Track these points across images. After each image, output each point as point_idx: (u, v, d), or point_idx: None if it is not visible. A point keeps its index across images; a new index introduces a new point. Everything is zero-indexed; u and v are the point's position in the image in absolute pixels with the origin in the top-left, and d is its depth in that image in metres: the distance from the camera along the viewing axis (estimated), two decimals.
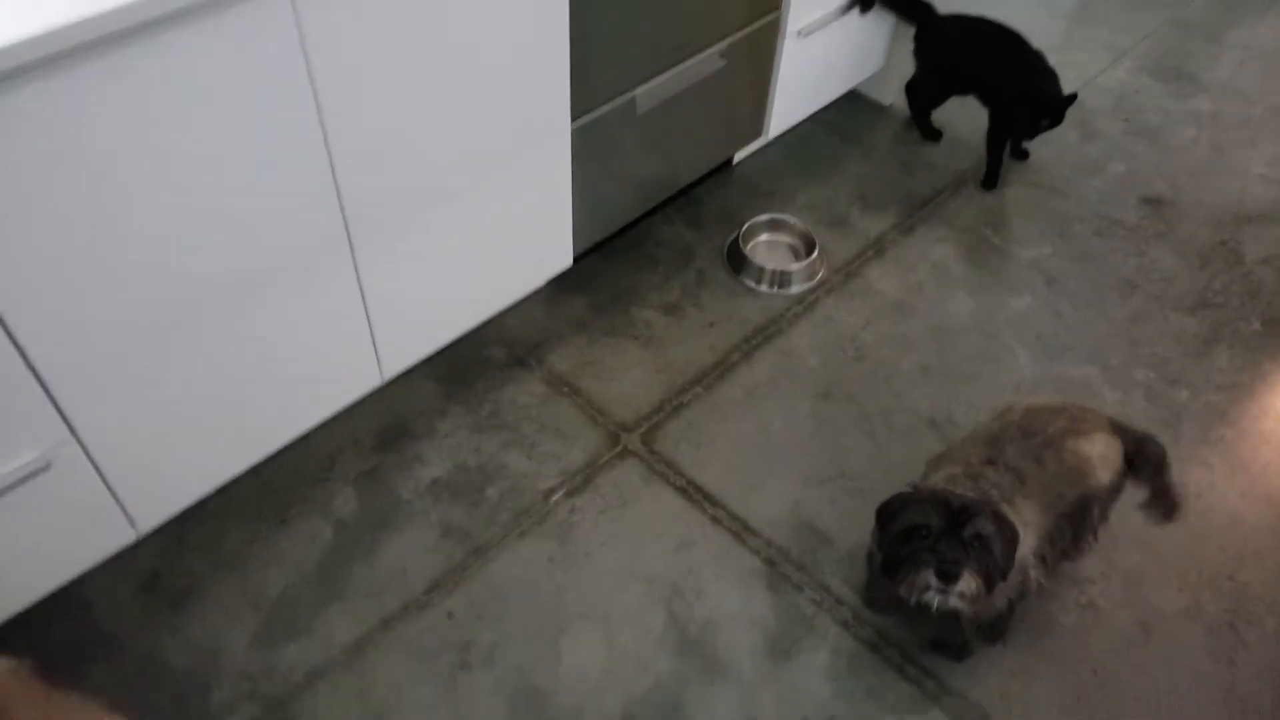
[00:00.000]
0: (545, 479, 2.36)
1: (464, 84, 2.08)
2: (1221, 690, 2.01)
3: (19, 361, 1.71)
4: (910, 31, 3.19)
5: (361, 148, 1.97)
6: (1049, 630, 2.10)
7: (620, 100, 2.49)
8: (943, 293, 2.84)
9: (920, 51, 3.19)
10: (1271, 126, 3.53)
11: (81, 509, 1.96)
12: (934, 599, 1.77)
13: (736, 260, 2.85)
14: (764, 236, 2.97)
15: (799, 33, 2.92)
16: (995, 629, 2.02)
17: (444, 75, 2.02)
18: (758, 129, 3.11)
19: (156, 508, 2.11)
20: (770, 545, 2.24)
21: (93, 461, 1.92)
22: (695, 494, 2.33)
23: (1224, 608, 2.14)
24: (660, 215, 3.04)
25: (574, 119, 2.38)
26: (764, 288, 2.80)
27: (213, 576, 2.15)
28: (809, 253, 2.86)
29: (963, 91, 3.20)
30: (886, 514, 1.84)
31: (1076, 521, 2.00)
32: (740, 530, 2.26)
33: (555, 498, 2.32)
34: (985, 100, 3.11)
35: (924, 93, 3.31)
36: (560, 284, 2.79)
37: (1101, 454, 1.93)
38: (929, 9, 3.12)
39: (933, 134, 3.36)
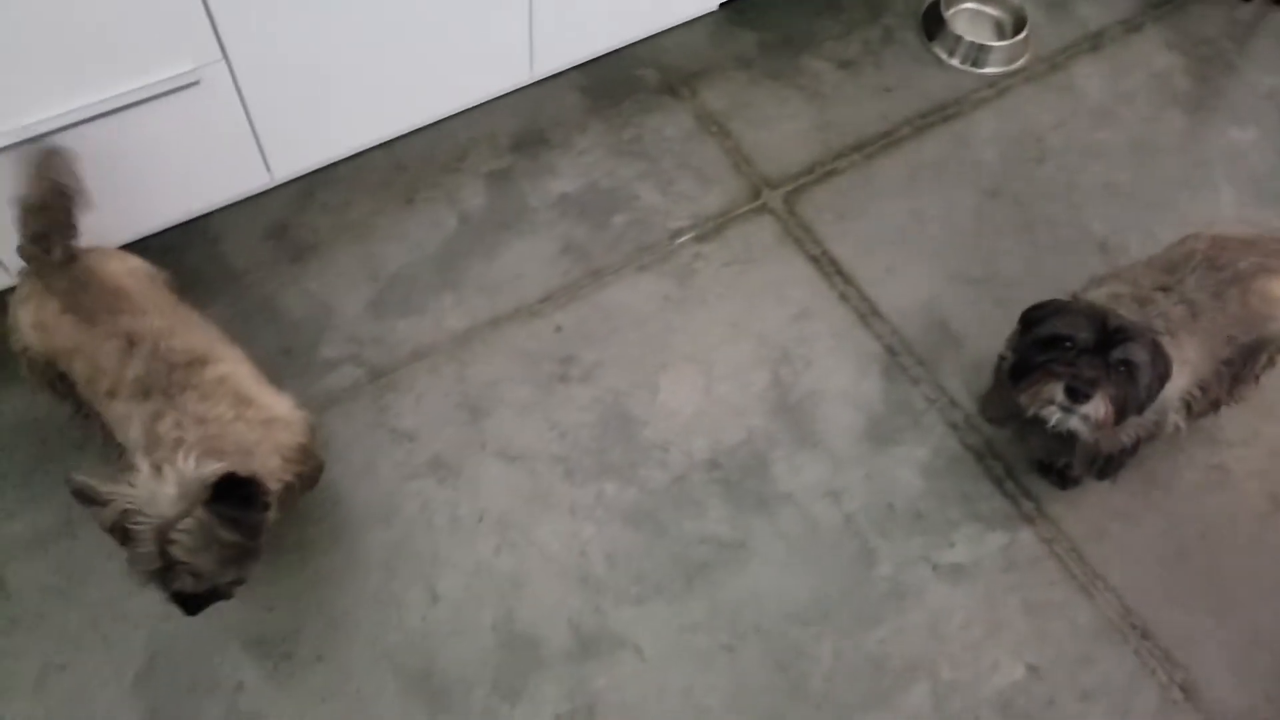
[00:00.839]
0: (676, 218, 2.23)
1: None
2: None
3: None
4: None
5: None
6: (1168, 482, 1.95)
7: None
8: (1155, 106, 2.48)
9: None
10: None
11: (222, 138, 1.95)
12: (1054, 415, 1.62)
13: (933, 24, 2.52)
14: (969, 3, 2.61)
15: None
16: (1110, 465, 1.88)
17: None
18: None
19: (292, 158, 2.09)
20: (895, 333, 2.10)
21: (239, 89, 1.88)
22: (828, 266, 2.19)
23: None
24: None
25: None
26: (956, 61, 2.48)
27: (336, 239, 2.15)
28: (1016, 31, 2.50)
29: None
30: (1034, 316, 1.66)
31: (1239, 368, 1.80)
32: (868, 312, 2.12)
33: (682, 239, 2.21)
34: None
35: None
36: (732, 14, 2.53)
37: None
38: None
39: None
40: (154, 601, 1.73)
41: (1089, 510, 1.92)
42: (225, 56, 1.84)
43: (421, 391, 1.98)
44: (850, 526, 1.87)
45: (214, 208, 2.12)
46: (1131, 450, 1.82)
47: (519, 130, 2.32)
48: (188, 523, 1.35)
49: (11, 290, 1.90)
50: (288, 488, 1.58)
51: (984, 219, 2.26)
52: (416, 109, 2.21)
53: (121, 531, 1.37)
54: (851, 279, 2.16)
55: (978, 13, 2.57)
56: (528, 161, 2.28)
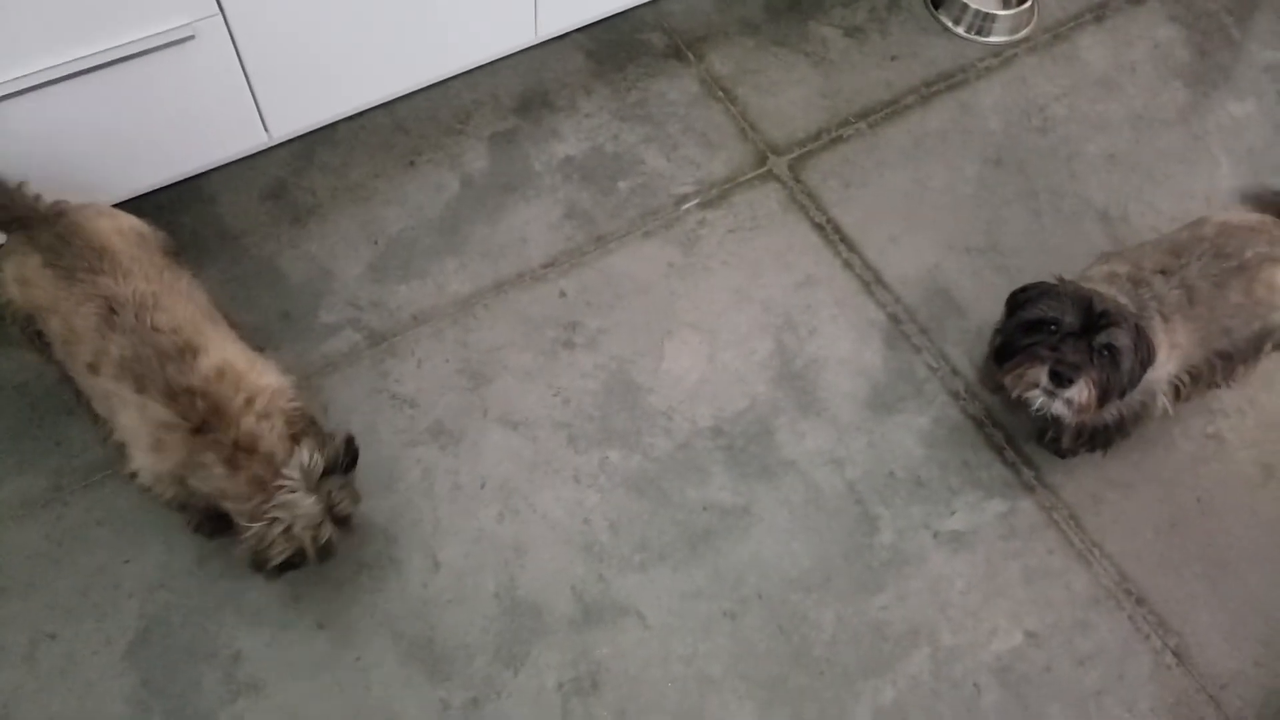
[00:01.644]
0: (681, 184, 2.12)
1: None
2: None
3: None
4: None
5: None
6: (1164, 452, 1.88)
7: None
8: (1156, 78, 2.38)
9: None
10: None
11: (219, 95, 1.82)
12: (1038, 399, 1.56)
13: None
14: None
15: None
16: (1097, 439, 1.81)
17: None
18: None
19: (290, 117, 1.96)
20: (898, 302, 2.01)
21: (235, 45, 1.75)
22: (832, 233, 2.09)
23: None
24: None
25: None
26: (961, 30, 2.37)
27: (335, 201, 2.02)
28: (1021, 1, 2.40)
29: None
30: (1019, 299, 1.59)
31: (1238, 361, 1.73)
32: (871, 281, 2.03)
33: (687, 206, 2.10)
34: None
35: None
36: None
37: None
38: None
39: None
40: (148, 569, 1.65)
41: (1087, 479, 1.84)
42: (221, 10, 1.70)
43: (422, 357, 1.87)
44: (852, 494, 1.79)
45: (210, 167, 1.98)
46: (1119, 427, 1.75)
47: (523, 92, 2.19)
48: (319, 509, 1.43)
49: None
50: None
51: (987, 188, 2.17)
52: (418, 69, 2.07)
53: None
54: (856, 247, 2.07)
55: None
56: (531, 124, 2.15)
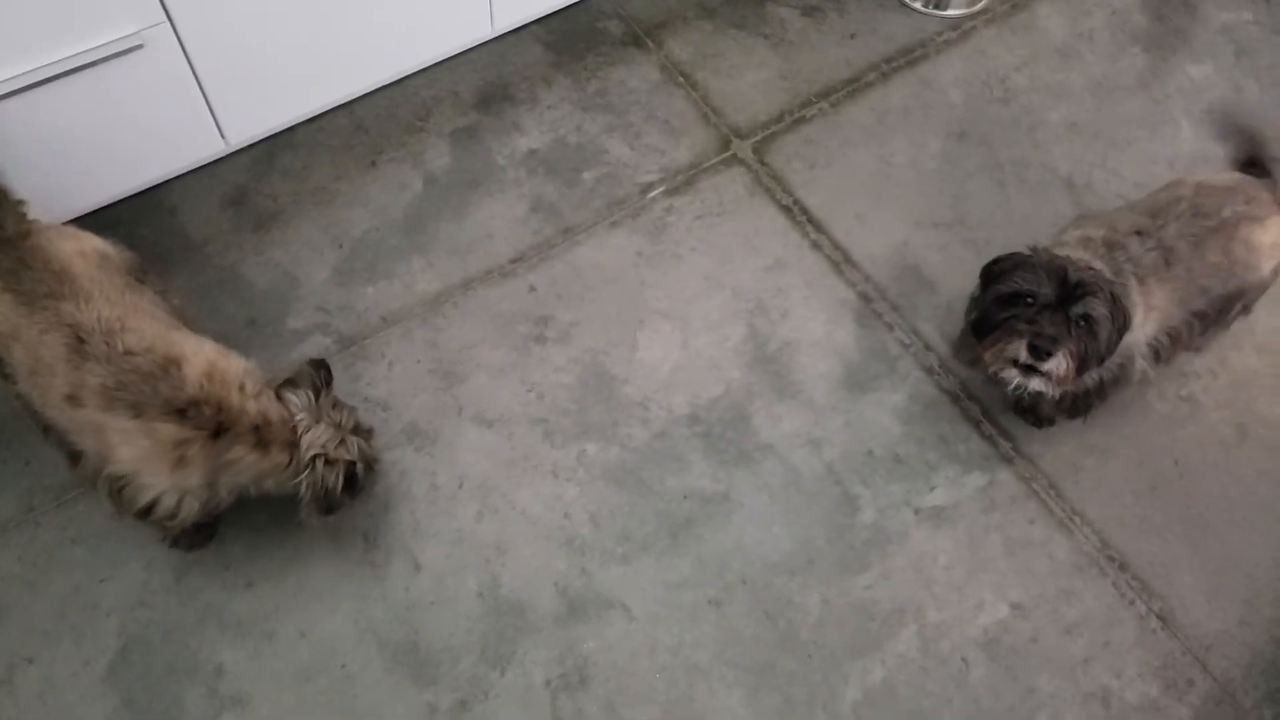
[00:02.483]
0: (645, 172, 2.05)
1: None
2: None
3: None
4: None
5: None
6: (1140, 416, 1.84)
7: None
8: (1114, 45, 2.32)
9: None
10: None
11: (172, 104, 1.74)
12: (1014, 377, 1.51)
13: None
14: None
15: None
16: (1078, 406, 1.76)
17: None
18: None
19: (247, 122, 1.88)
20: (868, 280, 1.95)
21: (185, 52, 1.67)
22: (799, 215, 2.02)
23: None
24: None
25: None
26: (919, 4, 2.30)
27: (298, 206, 1.94)
28: None
29: None
30: (994, 271, 1.53)
31: (1212, 319, 1.68)
32: (840, 260, 1.97)
33: (653, 194, 2.03)
34: None
35: None
36: None
37: (1274, 242, 1.58)
38: None
39: None
40: (125, 587, 1.58)
41: (1064, 447, 1.79)
42: (169, 18, 1.62)
43: (393, 359, 1.80)
44: (831, 474, 1.74)
45: (169, 177, 1.90)
46: (1098, 392, 1.70)
47: (482, 87, 2.11)
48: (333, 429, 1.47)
49: None
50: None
51: (951, 162, 2.11)
52: (375, 68, 1.99)
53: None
54: (823, 227, 2.00)
55: None
56: (493, 119, 2.07)
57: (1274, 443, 1.81)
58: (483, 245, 1.93)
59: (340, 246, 1.89)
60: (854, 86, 2.19)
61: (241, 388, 1.40)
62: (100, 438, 1.37)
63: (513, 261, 1.92)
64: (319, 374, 1.49)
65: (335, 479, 1.46)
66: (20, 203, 1.44)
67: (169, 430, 1.34)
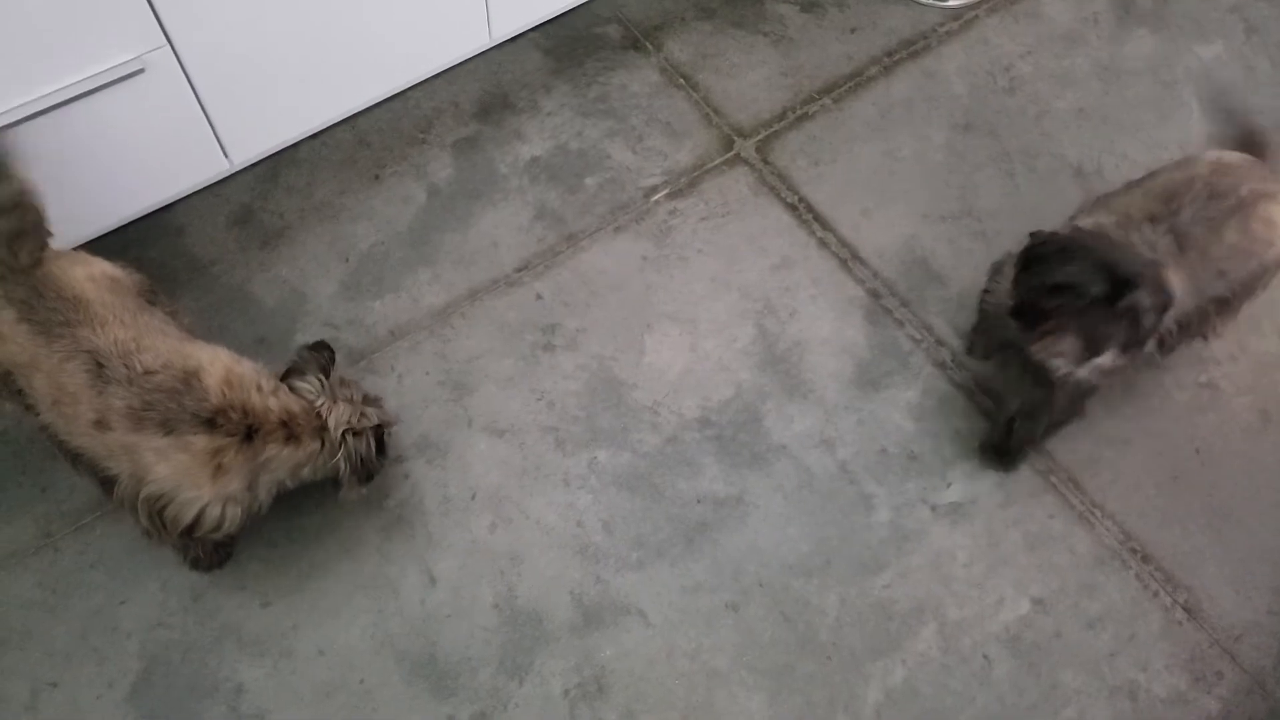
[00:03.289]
0: (648, 176, 2.06)
1: None
2: None
3: None
4: None
5: None
6: (1159, 405, 1.83)
7: None
8: (1121, 28, 2.30)
9: None
10: None
11: (175, 127, 1.77)
12: (1064, 367, 1.49)
13: None
14: None
15: None
16: (1049, 431, 1.73)
17: None
18: None
19: (250, 141, 1.90)
20: (877, 276, 1.95)
21: (187, 75, 1.70)
22: (805, 213, 2.03)
23: None
24: None
25: None
26: None
27: (303, 222, 1.96)
28: None
29: None
30: (1038, 257, 1.50)
31: (1234, 304, 1.65)
32: (848, 257, 1.97)
33: (656, 197, 2.04)
34: None
35: None
36: None
37: None
38: None
39: None
40: (144, 609, 1.60)
41: (1083, 439, 1.79)
42: (169, 42, 1.65)
43: (402, 371, 1.82)
44: (845, 474, 1.74)
45: (174, 199, 1.93)
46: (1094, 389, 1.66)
47: (482, 96, 2.13)
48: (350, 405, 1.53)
49: None
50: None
51: (958, 154, 2.10)
52: (375, 82, 2.01)
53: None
54: (830, 224, 2.01)
55: None
56: (493, 128, 2.09)
57: None
58: (488, 255, 1.95)
59: (346, 261, 1.92)
60: (856, 81, 2.19)
61: (259, 388, 1.45)
62: (134, 459, 1.40)
63: (518, 270, 1.93)
64: (323, 355, 1.55)
65: (367, 446, 1.54)
66: (48, 233, 1.46)
67: (202, 441, 1.38)
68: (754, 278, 1.94)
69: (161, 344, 1.43)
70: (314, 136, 2.04)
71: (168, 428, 1.37)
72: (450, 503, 1.70)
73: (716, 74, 2.18)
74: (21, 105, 1.58)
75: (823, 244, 1.98)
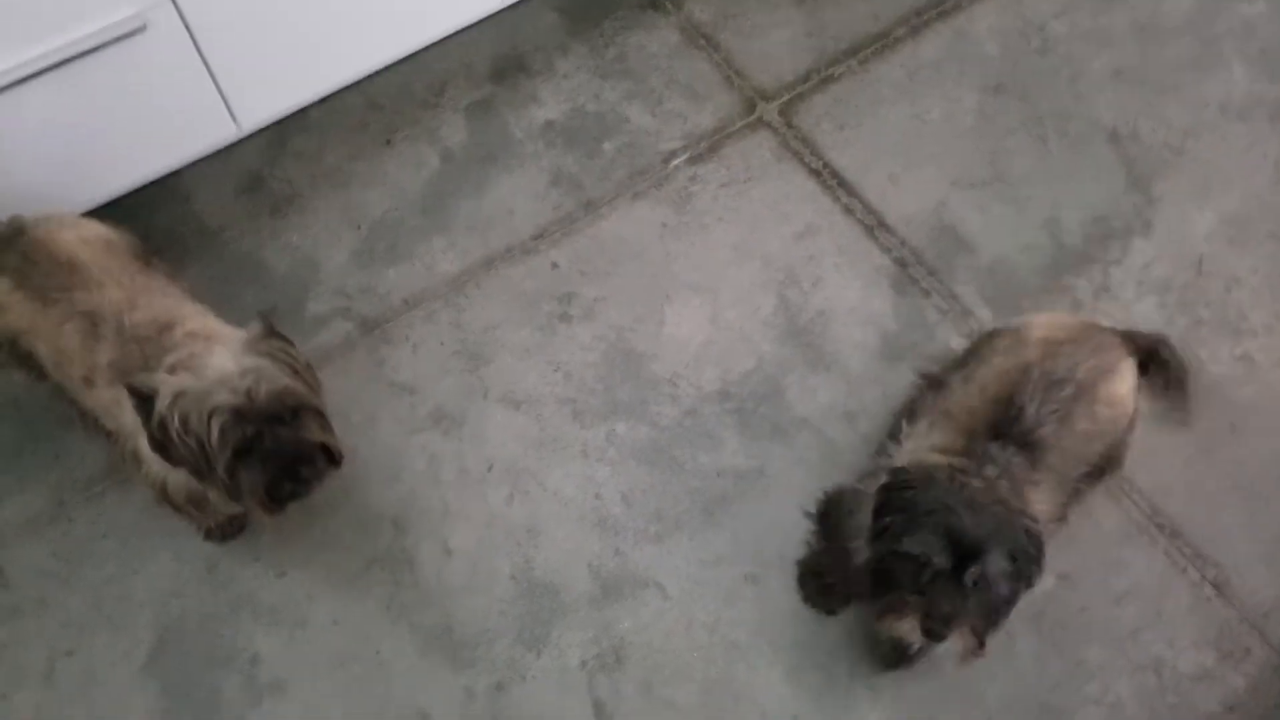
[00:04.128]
0: (668, 140, 2.04)
1: None
2: None
3: None
4: None
5: None
6: (1192, 379, 1.82)
7: None
8: None
9: None
10: None
11: (180, 88, 1.75)
12: (913, 641, 1.34)
13: None
14: None
15: None
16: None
17: None
18: None
19: (258, 105, 1.88)
20: (904, 245, 1.93)
21: (190, 33, 1.67)
22: (830, 179, 2.00)
23: None
24: None
25: None
26: None
27: (314, 189, 1.95)
28: None
29: None
30: (891, 501, 1.32)
31: (1096, 477, 1.51)
32: (874, 225, 1.95)
33: (676, 162, 2.02)
34: None
35: None
36: None
37: (1131, 386, 1.44)
38: None
39: None
40: (158, 579, 1.62)
41: None
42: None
43: (417, 341, 1.82)
44: (869, 447, 1.72)
45: (182, 164, 1.91)
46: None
47: (496, 58, 2.10)
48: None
49: None
50: None
51: (988, 117, 2.07)
52: (386, 43, 1.98)
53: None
54: (855, 191, 1.98)
55: None
56: (508, 91, 2.07)
57: None
58: (503, 222, 1.93)
59: (359, 228, 1.91)
60: (883, 42, 2.14)
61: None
62: (111, 413, 1.40)
63: (534, 238, 1.92)
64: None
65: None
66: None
67: None
68: (777, 246, 1.92)
69: (158, 304, 1.42)
70: (324, 101, 2.02)
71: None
72: (467, 475, 1.70)
73: (738, 34, 2.14)
74: (16, 66, 1.55)
75: (848, 211, 1.96)
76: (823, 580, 1.62)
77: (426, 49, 2.08)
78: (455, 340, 1.82)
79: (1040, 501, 1.38)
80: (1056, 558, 1.65)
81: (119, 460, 1.46)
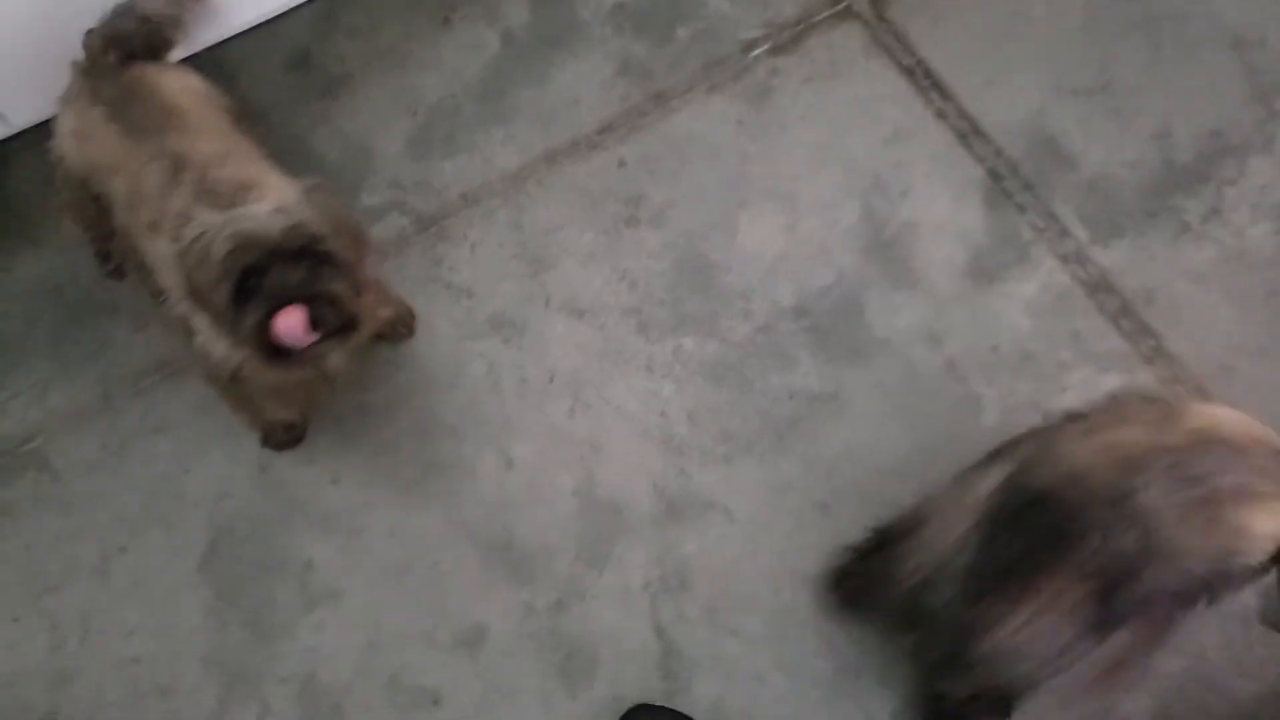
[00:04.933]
0: (748, 28, 1.82)
1: None
2: None
3: None
4: None
5: None
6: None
7: None
8: None
9: None
10: None
11: None
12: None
13: None
14: None
15: None
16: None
17: None
18: None
19: None
20: (999, 155, 1.74)
21: None
22: (923, 78, 1.80)
23: None
24: None
25: None
26: None
27: (366, 70, 1.77)
28: None
29: None
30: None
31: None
32: (968, 131, 1.75)
33: (756, 53, 1.81)
34: None
35: None
36: None
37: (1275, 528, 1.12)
38: None
39: None
40: (209, 479, 1.53)
41: (1214, 347, 1.61)
42: None
43: (476, 241, 1.67)
44: (952, 372, 1.60)
45: (226, 36, 1.73)
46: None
47: None
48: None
49: (11, 140, 1.62)
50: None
51: (1097, 17, 1.83)
52: None
53: None
54: (950, 93, 1.77)
55: None
56: None
57: None
58: (567, 113, 1.75)
59: (414, 115, 1.74)
60: None
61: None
62: (167, 269, 1.29)
63: (600, 132, 1.74)
64: None
65: None
66: (163, 44, 1.39)
67: None
68: (862, 150, 1.73)
69: (247, 166, 1.31)
70: None
71: None
72: (527, 385, 1.59)
73: None
74: None
75: (940, 115, 1.76)
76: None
77: None
78: (515, 242, 1.67)
79: None
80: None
81: (168, 326, 1.35)
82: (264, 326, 1.12)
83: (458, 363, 1.60)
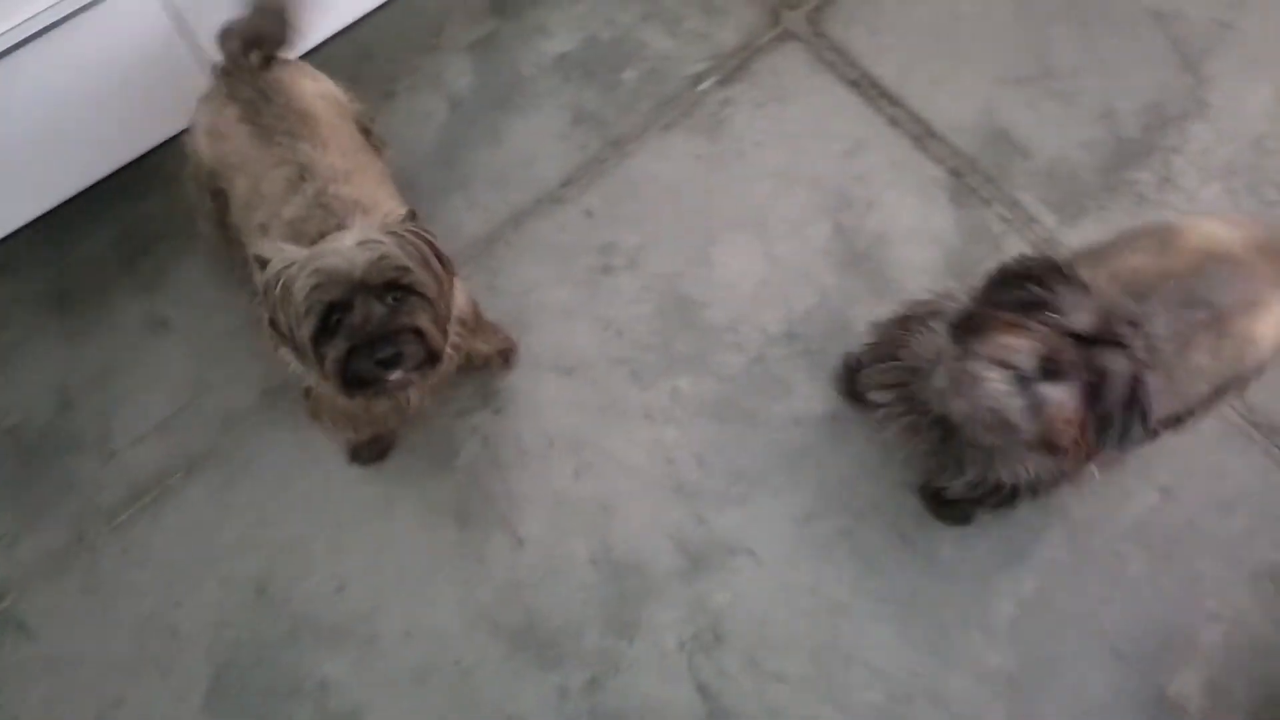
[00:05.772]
0: (693, 62, 1.65)
1: None
2: None
3: None
4: None
5: None
6: None
7: None
8: None
9: None
10: None
11: (150, 51, 1.37)
12: (998, 384, 0.97)
13: None
14: None
15: None
16: (1003, 499, 1.22)
17: None
18: None
19: None
20: (956, 153, 1.58)
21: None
22: (870, 89, 1.64)
23: None
24: None
25: None
26: None
27: None
28: None
29: None
30: (1013, 272, 1.02)
31: (1211, 399, 1.19)
32: (922, 134, 1.60)
33: (704, 86, 1.64)
34: None
35: None
36: None
37: (1277, 327, 1.12)
38: None
39: None
40: (202, 609, 1.28)
41: None
42: None
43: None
44: None
45: (156, 145, 1.53)
46: (1033, 490, 1.18)
47: None
48: None
49: None
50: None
51: (1026, 8, 1.69)
52: None
53: None
54: (898, 99, 1.62)
55: None
56: (513, 23, 1.66)
57: None
58: (525, 171, 1.55)
59: None
60: None
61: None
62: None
63: (562, 185, 1.55)
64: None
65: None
66: (287, 39, 1.24)
67: None
68: (823, 168, 1.56)
69: (368, 186, 1.17)
70: (313, 52, 1.60)
71: (310, 242, 1.08)
72: (526, 454, 1.37)
73: None
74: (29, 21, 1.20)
75: (893, 122, 1.61)
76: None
77: None
78: (493, 307, 1.45)
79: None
80: (1156, 471, 1.37)
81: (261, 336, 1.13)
82: (343, 361, 1.00)
83: (451, 441, 1.38)
